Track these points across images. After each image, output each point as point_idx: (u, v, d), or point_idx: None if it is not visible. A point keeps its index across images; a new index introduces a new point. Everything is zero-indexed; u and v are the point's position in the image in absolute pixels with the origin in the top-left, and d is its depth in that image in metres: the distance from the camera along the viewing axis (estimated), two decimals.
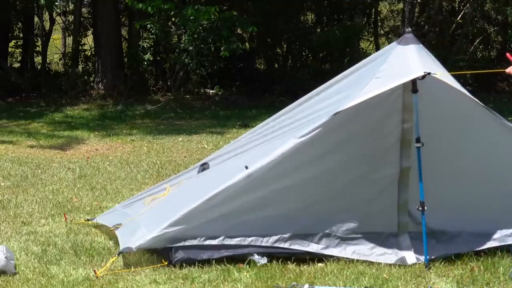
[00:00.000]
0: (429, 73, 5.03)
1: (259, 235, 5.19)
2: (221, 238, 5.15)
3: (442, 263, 5.12)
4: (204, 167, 6.29)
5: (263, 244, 5.18)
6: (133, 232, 5.36)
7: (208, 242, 5.12)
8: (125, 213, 6.07)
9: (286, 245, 5.21)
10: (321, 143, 5.19)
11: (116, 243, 5.53)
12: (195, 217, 5.09)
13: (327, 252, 5.24)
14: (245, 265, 5.06)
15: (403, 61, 5.21)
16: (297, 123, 5.74)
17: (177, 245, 5.06)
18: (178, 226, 5.06)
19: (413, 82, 5.10)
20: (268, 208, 5.23)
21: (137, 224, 5.54)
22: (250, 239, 5.18)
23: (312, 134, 5.12)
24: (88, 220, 6.43)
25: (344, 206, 5.36)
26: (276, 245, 5.19)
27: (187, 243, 5.08)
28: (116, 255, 5.08)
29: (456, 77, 5.40)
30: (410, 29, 5.60)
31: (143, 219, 5.60)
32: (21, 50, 21.87)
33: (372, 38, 21.25)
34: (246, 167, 5.22)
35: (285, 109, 6.12)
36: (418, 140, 5.12)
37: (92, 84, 18.97)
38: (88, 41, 21.34)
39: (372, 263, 5.14)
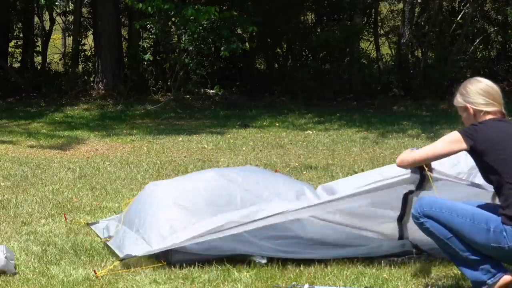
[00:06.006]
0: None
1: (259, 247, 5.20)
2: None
3: (442, 263, 5.12)
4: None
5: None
6: (125, 240, 5.38)
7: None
8: (115, 224, 6.08)
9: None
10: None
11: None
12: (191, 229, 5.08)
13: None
14: (245, 265, 5.06)
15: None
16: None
17: (176, 248, 5.05)
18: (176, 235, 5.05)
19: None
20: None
21: (124, 231, 5.55)
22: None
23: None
24: (88, 224, 6.42)
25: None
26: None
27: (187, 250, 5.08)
28: (119, 261, 5.07)
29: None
30: None
31: (126, 223, 5.63)
32: (21, 50, 21.90)
33: (372, 38, 21.25)
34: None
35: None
36: None
37: (92, 84, 18.98)
38: (88, 41, 21.37)
39: (372, 263, 5.14)
